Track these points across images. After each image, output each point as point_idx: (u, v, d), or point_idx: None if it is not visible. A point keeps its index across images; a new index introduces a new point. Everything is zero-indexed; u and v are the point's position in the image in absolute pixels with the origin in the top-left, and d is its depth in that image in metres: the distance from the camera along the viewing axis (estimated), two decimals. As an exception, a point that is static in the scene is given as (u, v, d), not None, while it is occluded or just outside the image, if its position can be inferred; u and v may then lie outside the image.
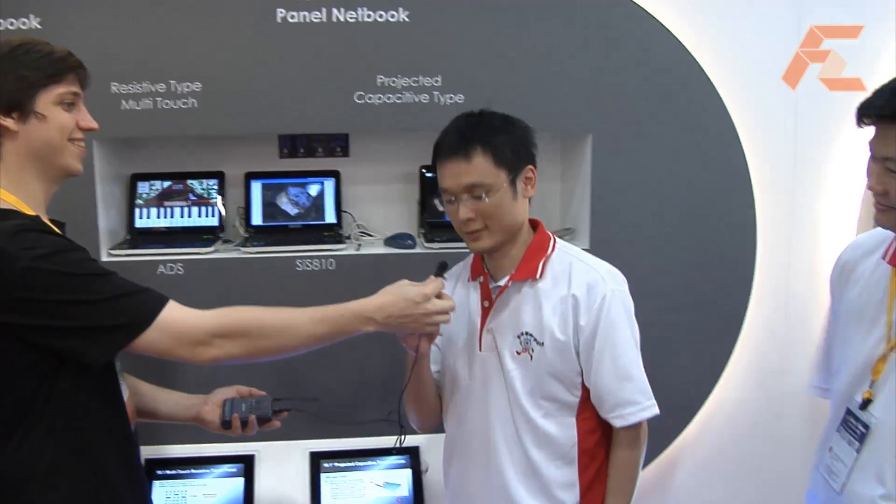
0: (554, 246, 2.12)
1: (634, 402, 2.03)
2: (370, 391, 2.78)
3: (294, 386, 2.72)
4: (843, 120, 2.88)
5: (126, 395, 1.92)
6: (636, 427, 2.05)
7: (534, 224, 2.16)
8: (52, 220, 1.86)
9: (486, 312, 2.13)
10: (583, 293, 2.03)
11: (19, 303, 1.62)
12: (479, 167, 1.97)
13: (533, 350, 2.05)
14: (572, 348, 2.04)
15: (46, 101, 1.74)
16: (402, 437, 2.22)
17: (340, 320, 1.87)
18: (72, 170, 1.82)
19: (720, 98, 2.88)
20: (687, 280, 2.94)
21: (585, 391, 2.07)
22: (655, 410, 2.05)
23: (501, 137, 2.01)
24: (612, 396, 2.03)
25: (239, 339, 1.79)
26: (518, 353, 2.07)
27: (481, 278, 2.15)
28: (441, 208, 2.13)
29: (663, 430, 2.81)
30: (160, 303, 1.73)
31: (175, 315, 1.74)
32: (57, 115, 1.75)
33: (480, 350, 2.13)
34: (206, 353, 1.77)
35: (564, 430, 2.08)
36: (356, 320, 1.87)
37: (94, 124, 1.84)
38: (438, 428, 2.31)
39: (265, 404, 2.12)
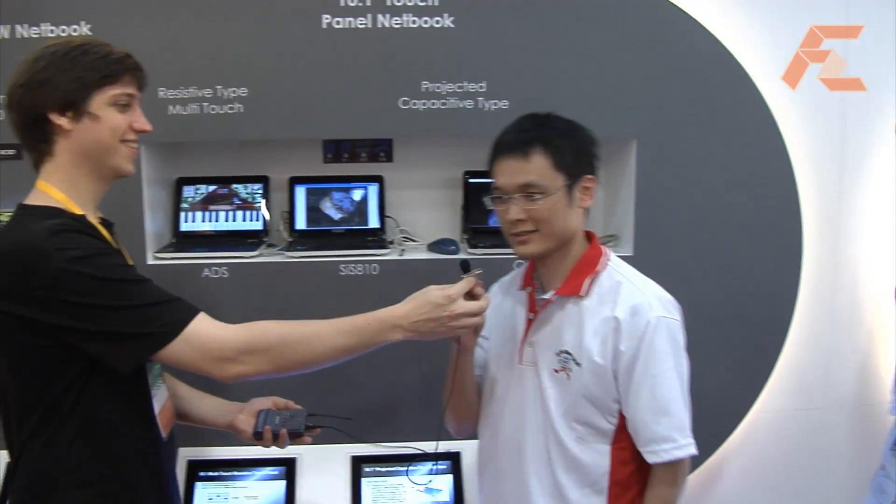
0: (605, 263, 2.02)
1: (669, 439, 1.89)
2: (411, 396, 2.78)
3: (332, 394, 2.74)
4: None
5: (164, 397, 1.94)
6: (672, 465, 1.92)
7: (588, 237, 2.07)
8: (102, 220, 1.89)
9: (529, 325, 2.06)
10: (626, 317, 1.91)
11: (51, 302, 1.64)
12: (537, 167, 1.90)
13: (571, 370, 1.96)
14: (610, 373, 1.93)
15: (100, 101, 1.75)
16: (439, 442, 2.17)
17: (367, 329, 1.84)
18: (122, 171, 1.83)
19: (765, 103, 2.86)
20: (731, 287, 2.92)
21: (623, 419, 1.96)
22: (692, 450, 1.92)
23: (564, 141, 1.94)
24: (647, 430, 1.91)
25: (265, 355, 1.78)
26: (556, 372, 1.99)
27: (529, 289, 2.09)
28: (490, 206, 2.03)
29: (705, 441, 2.75)
30: (190, 314, 1.73)
31: (204, 328, 1.74)
32: (110, 116, 1.77)
33: (520, 363, 2.06)
34: (232, 369, 1.75)
35: (597, 457, 1.97)
36: (383, 329, 1.83)
37: (148, 126, 1.85)
38: (475, 433, 2.28)
39: (299, 419, 2.09)
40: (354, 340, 1.84)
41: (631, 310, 1.92)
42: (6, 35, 2.69)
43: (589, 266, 2.00)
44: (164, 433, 1.90)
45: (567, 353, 1.97)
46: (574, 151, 1.95)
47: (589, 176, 1.99)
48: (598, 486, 1.97)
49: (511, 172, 1.93)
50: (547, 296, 2.02)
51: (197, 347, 1.71)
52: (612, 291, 1.96)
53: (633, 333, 1.90)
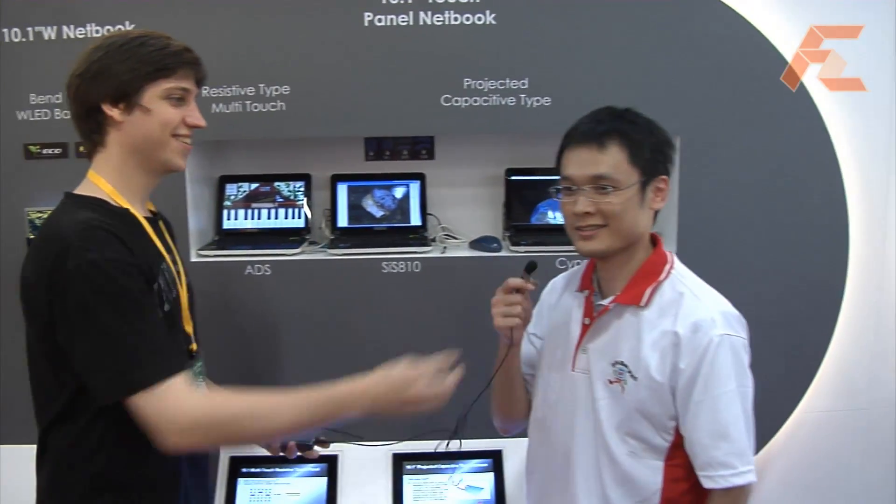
0: (669, 271, 1.89)
1: (728, 465, 1.76)
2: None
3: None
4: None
5: None
6: (730, 491, 1.79)
7: (653, 241, 1.94)
8: (152, 214, 1.90)
9: (584, 330, 1.94)
10: (686, 332, 1.79)
11: (61, 296, 1.62)
12: (613, 159, 1.80)
13: (626, 383, 1.84)
14: (668, 391, 1.81)
15: (153, 94, 1.75)
16: (448, 441, 2.15)
17: (326, 406, 1.70)
18: (173, 165, 1.83)
19: (812, 100, 2.82)
20: (777, 287, 2.87)
21: (679, 437, 1.84)
22: (751, 478, 1.78)
23: (643, 136, 1.84)
24: (704, 454, 1.79)
25: (217, 430, 1.68)
26: (611, 382, 1.87)
27: (587, 292, 1.98)
28: (557, 197, 1.90)
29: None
30: (170, 372, 1.64)
31: (175, 392, 1.64)
32: (162, 110, 1.76)
33: (573, 369, 1.95)
34: (178, 439, 1.64)
35: (649, 473, 1.86)
36: (342, 406, 1.71)
37: (202, 122, 1.85)
38: (521, 432, 2.24)
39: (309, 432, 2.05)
40: (312, 417, 1.72)
41: (692, 326, 1.79)
42: (53, 36, 2.72)
43: (652, 274, 1.88)
44: None
45: (623, 364, 1.85)
46: (652, 148, 1.85)
47: (663, 177, 1.87)
48: (649, 502, 1.87)
49: (583, 162, 1.82)
50: (605, 302, 1.90)
51: (160, 409, 1.62)
52: (674, 304, 1.84)
53: (694, 351, 1.78)
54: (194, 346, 1.92)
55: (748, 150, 2.81)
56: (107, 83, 1.73)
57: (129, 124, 1.75)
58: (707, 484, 1.79)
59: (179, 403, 1.64)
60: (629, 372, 1.84)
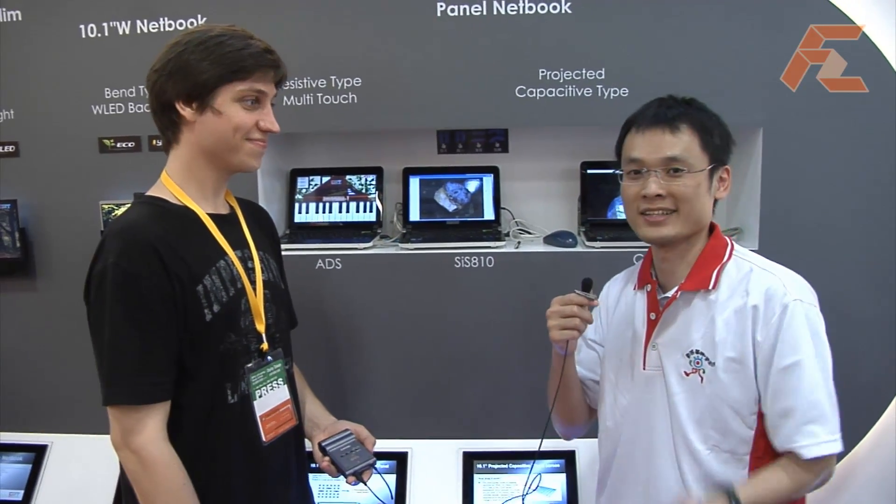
0: (731, 252, 1.88)
1: (811, 434, 1.72)
2: (522, 391, 2.74)
3: (444, 389, 2.73)
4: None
5: (281, 400, 1.91)
6: (814, 464, 1.74)
7: (710, 228, 1.92)
8: (235, 206, 1.92)
9: (651, 326, 1.90)
10: (761, 303, 1.76)
11: (86, 292, 1.71)
12: (686, 142, 1.79)
13: (704, 371, 1.80)
14: (750, 368, 1.77)
15: (226, 96, 1.73)
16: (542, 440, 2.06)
17: None
18: (246, 167, 1.82)
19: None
20: (862, 284, 2.75)
21: (761, 423, 1.79)
22: (837, 447, 1.73)
23: (713, 123, 1.84)
24: (785, 425, 1.74)
25: (140, 475, 1.68)
26: (686, 375, 1.83)
27: (648, 287, 1.94)
28: (623, 181, 1.88)
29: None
30: (141, 400, 1.67)
31: (144, 424, 1.67)
32: (234, 113, 1.74)
33: (644, 368, 1.91)
34: (120, 457, 1.70)
35: (733, 468, 1.81)
36: None
37: (276, 127, 1.81)
38: (591, 432, 2.19)
39: (354, 459, 1.98)
40: None
41: (765, 295, 1.77)
42: (127, 31, 2.75)
43: (714, 257, 1.86)
44: (265, 437, 1.85)
45: (698, 352, 1.82)
46: (721, 135, 1.85)
47: (727, 167, 1.88)
48: None
49: (654, 144, 1.80)
50: (671, 293, 1.87)
51: (126, 428, 1.67)
52: (743, 280, 1.82)
53: (769, 320, 1.75)
54: (264, 346, 1.86)
55: (833, 142, 2.69)
56: (182, 81, 1.72)
57: (201, 125, 1.74)
58: (799, 453, 1.73)
59: (144, 435, 1.66)
60: (706, 359, 1.81)
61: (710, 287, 1.83)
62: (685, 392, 1.83)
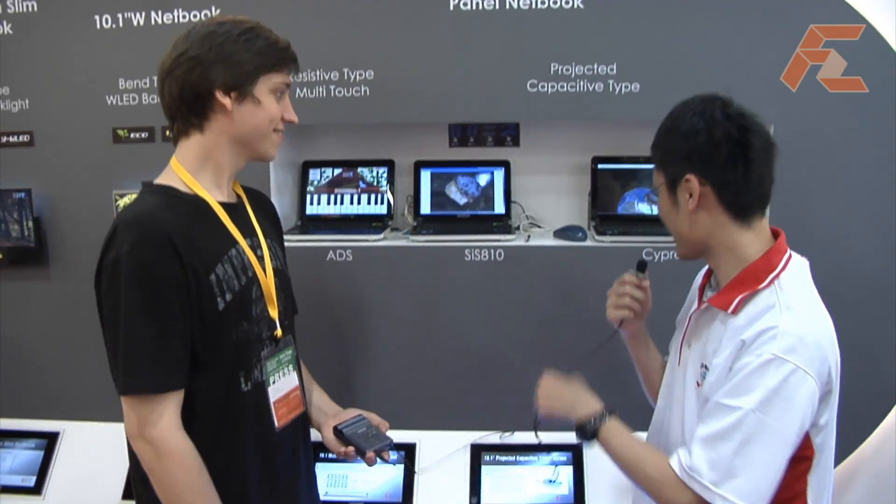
0: (772, 280, 1.66)
1: (697, 469, 1.59)
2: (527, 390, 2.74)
3: (460, 378, 2.74)
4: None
5: (291, 386, 1.93)
6: (672, 478, 1.62)
7: (775, 236, 1.77)
8: (242, 195, 1.93)
9: (689, 323, 1.83)
10: (750, 339, 1.59)
11: (97, 282, 1.71)
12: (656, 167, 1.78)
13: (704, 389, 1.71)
14: None
15: (264, 87, 1.77)
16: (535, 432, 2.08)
17: None
18: (268, 156, 1.86)
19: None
20: (863, 284, 2.74)
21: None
22: (702, 494, 1.57)
23: (662, 137, 1.74)
24: (686, 449, 1.63)
25: (157, 465, 1.69)
26: (698, 385, 1.73)
27: (700, 282, 1.89)
28: None
29: (840, 444, 2.59)
30: (159, 388, 1.67)
31: (160, 412, 1.68)
32: (269, 104, 1.79)
33: (679, 363, 1.85)
34: (136, 448, 1.71)
35: None
36: None
37: (296, 118, 1.86)
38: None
39: (372, 440, 1.99)
40: None
41: (758, 333, 1.59)
42: (142, 22, 2.77)
43: (750, 281, 1.67)
44: (277, 423, 1.87)
45: (706, 367, 1.71)
46: (666, 150, 1.73)
47: (688, 175, 1.67)
48: None
49: None
50: (705, 299, 1.80)
51: (141, 419, 1.67)
52: (761, 313, 1.62)
53: (743, 358, 1.59)
54: (278, 333, 1.88)
55: (845, 142, 2.68)
56: (226, 71, 1.73)
57: (238, 114, 1.76)
58: (674, 464, 1.63)
59: (160, 425, 1.67)
60: (705, 377, 1.71)
61: (730, 311, 1.67)
62: (692, 400, 1.75)
